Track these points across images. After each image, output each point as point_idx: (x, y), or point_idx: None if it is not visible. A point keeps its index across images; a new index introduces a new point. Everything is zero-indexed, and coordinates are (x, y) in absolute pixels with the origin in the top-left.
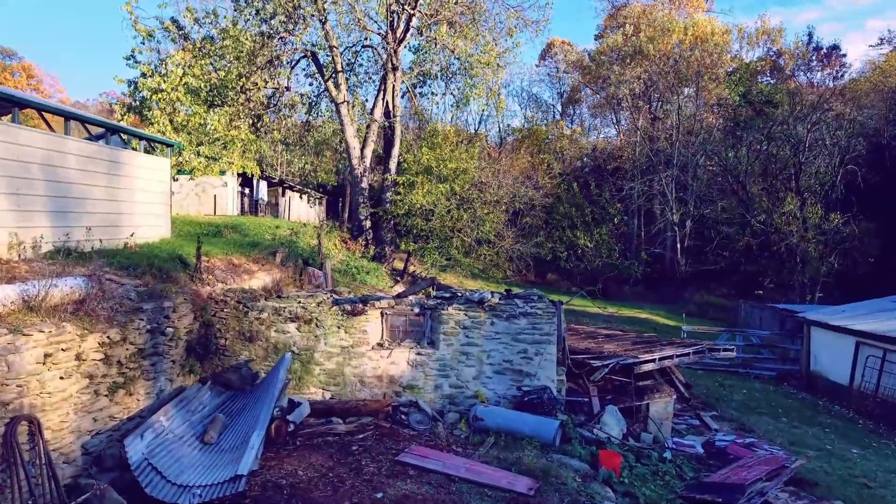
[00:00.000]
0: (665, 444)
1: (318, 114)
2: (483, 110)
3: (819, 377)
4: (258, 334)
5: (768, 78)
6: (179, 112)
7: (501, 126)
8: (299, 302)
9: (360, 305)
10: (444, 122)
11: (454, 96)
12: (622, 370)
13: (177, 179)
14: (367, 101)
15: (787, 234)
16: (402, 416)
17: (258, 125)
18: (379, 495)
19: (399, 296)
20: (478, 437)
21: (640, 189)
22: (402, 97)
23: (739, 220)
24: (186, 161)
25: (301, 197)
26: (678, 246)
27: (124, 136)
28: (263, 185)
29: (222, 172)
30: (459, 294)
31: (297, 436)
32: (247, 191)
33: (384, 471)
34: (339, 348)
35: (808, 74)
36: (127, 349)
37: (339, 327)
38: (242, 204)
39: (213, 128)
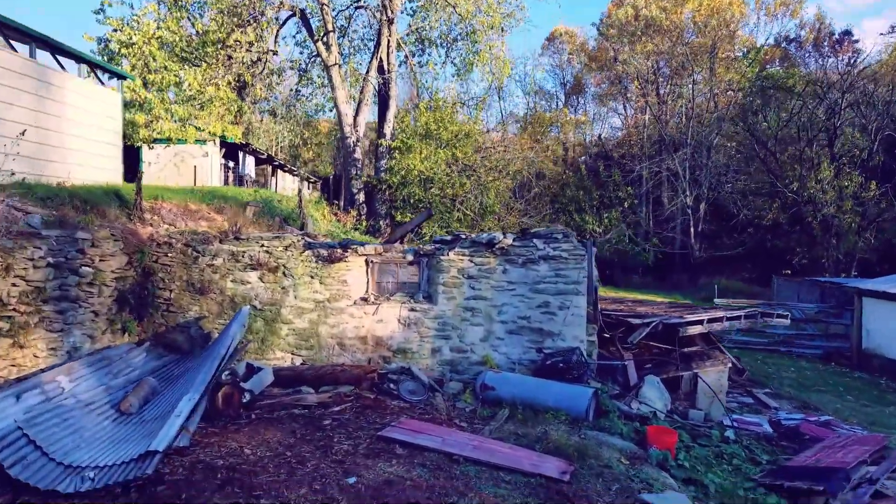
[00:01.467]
0: (724, 423)
1: (309, 82)
2: (489, 81)
3: (873, 355)
4: (211, 285)
5: (776, 66)
6: (152, 69)
7: (503, 113)
8: (262, 245)
9: (340, 251)
10: (446, 92)
11: (455, 65)
12: (662, 335)
13: (152, 148)
14: (360, 65)
15: (822, 204)
16: (391, 386)
17: (243, 91)
18: (351, 480)
19: (389, 240)
20: (487, 410)
21: (648, 172)
22: (400, 66)
23: (768, 190)
24: (156, 120)
25: (293, 177)
26: (692, 230)
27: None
28: (251, 161)
29: (202, 142)
30: (464, 236)
31: (254, 408)
32: (231, 164)
33: (362, 449)
34: (312, 303)
35: (820, 61)
36: (14, 285)
37: (312, 277)
38: (226, 178)
39: (188, 84)
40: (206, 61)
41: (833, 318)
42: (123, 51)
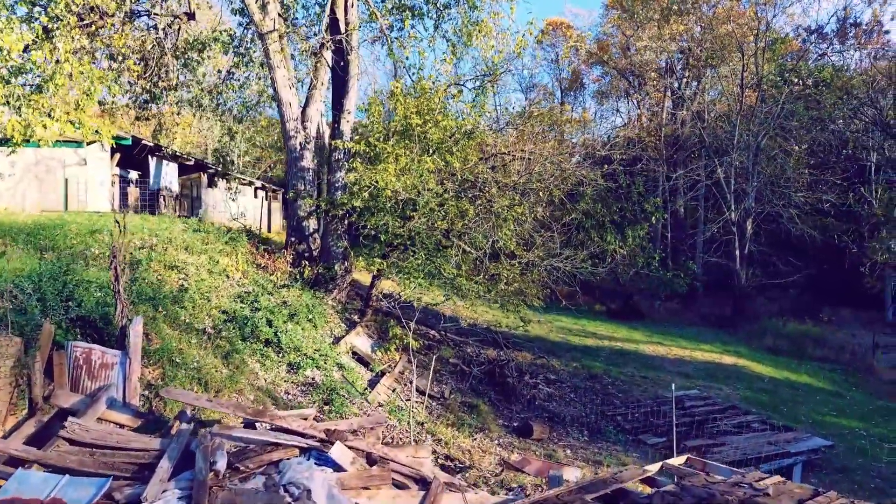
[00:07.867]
0: None
1: (247, 62)
2: (494, 60)
3: None
4: None
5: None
6: None
7: (498, 110)
8: None
9: None
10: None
11: (448, 40)
12: None
13: None
14: (314, 35)
15: None
16: None
17: (148, 70)
18: None
19: None
20: None
21: (669, 182)
22: (374, 44)
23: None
24: None
25: (247, 187)
26: (737, 252)
27: None
28: (172, 169)
29: (76, 144)
30: None
31: None
32: (134, 176)
33: None
34: None
35: (845, 55)
36: None
37: None
38: (124, 194)
39: (5, 50)
40: (48, 16)
41: None
42: None
